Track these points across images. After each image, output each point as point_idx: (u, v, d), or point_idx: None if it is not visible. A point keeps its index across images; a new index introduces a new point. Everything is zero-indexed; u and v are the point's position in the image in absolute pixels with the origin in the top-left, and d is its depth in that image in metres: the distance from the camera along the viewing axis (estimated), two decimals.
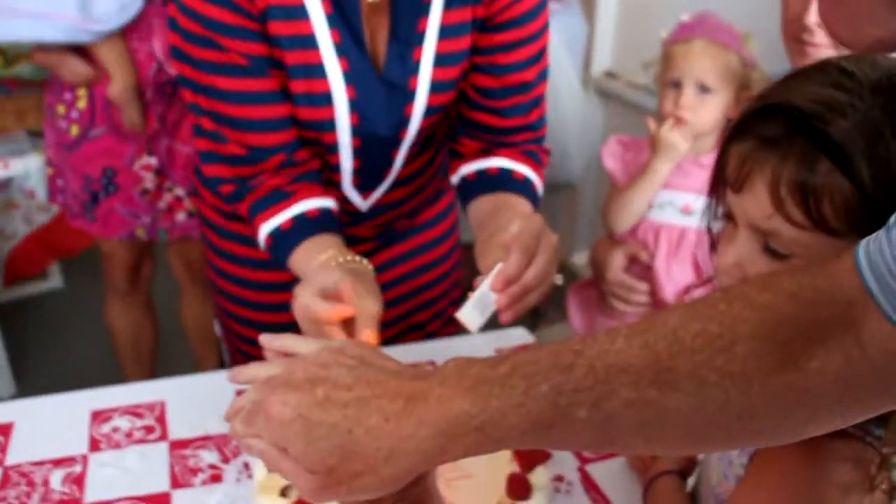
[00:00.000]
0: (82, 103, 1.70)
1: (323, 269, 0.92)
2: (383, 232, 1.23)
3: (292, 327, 0.89)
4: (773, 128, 0.65)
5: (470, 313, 0.89)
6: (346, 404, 0.55)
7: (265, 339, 0.75)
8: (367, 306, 0.86)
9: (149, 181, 1.76)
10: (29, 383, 2.41)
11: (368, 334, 0.84)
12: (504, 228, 0.94)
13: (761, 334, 0.51)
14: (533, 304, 0.90)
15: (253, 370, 0.66)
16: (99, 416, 1.06)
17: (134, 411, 1.07)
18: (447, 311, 1.33)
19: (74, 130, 1.72)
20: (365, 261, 0.96)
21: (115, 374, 2.04)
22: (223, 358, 1.42)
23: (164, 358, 2.14)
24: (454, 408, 0.53)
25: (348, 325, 0.86)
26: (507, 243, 0.90)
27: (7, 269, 2.65)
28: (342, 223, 1.07)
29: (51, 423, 1.05)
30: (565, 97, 2.26)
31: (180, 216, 1.81)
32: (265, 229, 1.03)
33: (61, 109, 1.73)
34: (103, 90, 1.68)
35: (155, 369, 2.10)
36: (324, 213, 1.03)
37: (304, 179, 1.04)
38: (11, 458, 0.99)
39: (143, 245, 1.90)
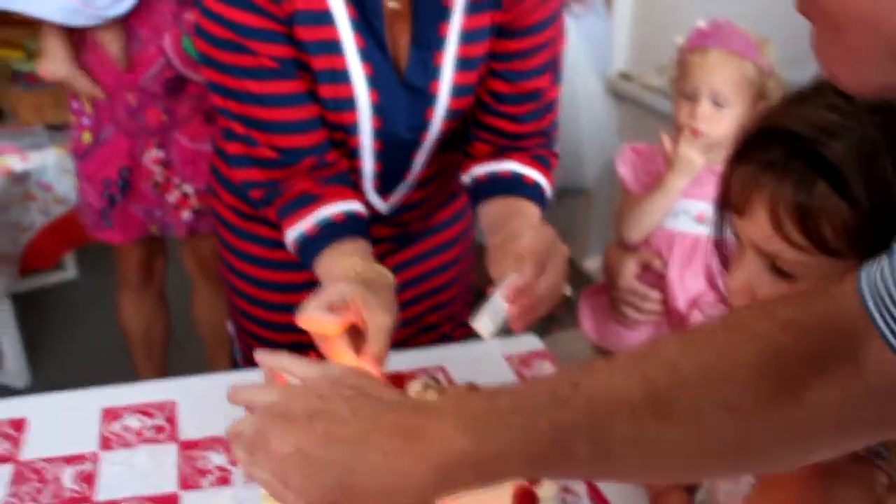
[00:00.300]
0: (89, 108, 1.72)
1: (335, 281, 0.92)
2: (399, 233, 1.24)
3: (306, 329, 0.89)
4: (772, 152, 0.65)
5: (483, 321, 0.91)
6: (344, 440, 0.55)
7: (261, 357, 0.74)
8: (376, 319, 0.85)
9: (158, 174, 1.77)
10: (43, 373, 2.43)
11: (375, 348, 0.84)
12: (516, 237, 0.95)
13: (759, 365, 0.51)
14: (543, 314, 0.91)
15: (250, 394, 0.66)
16: (110, 414, 1.07)
17: (145, 410, 1.08)
18: (460, 313, 1.33)
19: (87, 137, 1.74)
20: (385, 270, 0.96)
21: (129, 366, 2.06)
22: (235, 357, 1.42)
23: (176, 354, 2.15)
24: (452, 445, 0.53)
25: (359, 337, 0.87)
26: (520, 253, 0.90)
27: (24, 260, 2.67)
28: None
29: (63, 420, 1.06)
30: (583, 101, 2.25)
31: (185, 214, 1.82)
32: (292, 234, 1.03)
33: (73, 119, 1.76)
34: (106, 81, 1.68)
35: (166, 365, 2.11)
36: (349, 216, 1.03)
37: (334, 181, 1.04)
38: (24, 454, 1.00)
39: (156, 241, 1.91)
